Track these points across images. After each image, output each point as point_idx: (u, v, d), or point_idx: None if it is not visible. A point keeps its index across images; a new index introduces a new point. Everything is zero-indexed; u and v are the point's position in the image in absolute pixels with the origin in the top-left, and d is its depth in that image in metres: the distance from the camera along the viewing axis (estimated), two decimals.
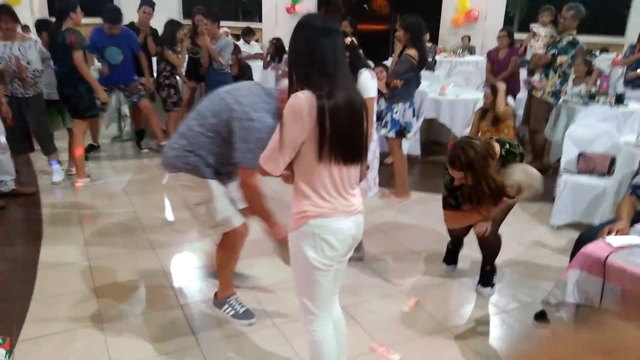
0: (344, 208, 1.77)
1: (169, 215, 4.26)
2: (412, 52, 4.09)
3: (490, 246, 2.97)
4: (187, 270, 3.35)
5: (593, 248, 2.14)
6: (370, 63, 4.26)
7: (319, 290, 1.84)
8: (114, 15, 5.17)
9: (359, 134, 1.78)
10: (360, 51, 3.47)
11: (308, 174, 1.74)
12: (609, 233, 2.26)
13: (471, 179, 2.56)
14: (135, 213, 4.17)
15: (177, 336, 2.64)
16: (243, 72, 6.34)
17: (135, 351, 2.51)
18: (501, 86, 4.28)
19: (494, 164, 2.56)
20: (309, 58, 1.70)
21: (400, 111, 4.29)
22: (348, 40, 3.26)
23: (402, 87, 4.23)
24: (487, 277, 3.05)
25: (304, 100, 1.65)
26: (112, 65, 5.27)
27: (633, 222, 2.44)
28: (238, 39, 8.62)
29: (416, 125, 4.30)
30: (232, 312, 2.73)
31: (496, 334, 2.75)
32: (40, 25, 5.60)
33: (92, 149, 5.65)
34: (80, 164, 4.84)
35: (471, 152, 2.49)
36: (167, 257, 3.49)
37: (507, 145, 2.70)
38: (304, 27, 1.75)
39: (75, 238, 3.70)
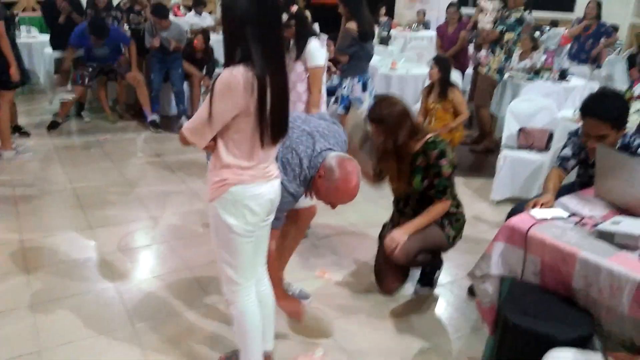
0: (262, 174, 1.79)
1: (107, 191, 4.13)
2: (352, 24, 4.04)
3: (402, 262, 2.67)
4: (125, 251, 3.27)
5: (516, 220, 2.18)
6: (322, 35, 4.23)
7: (241, 258, 1.85)
8: (101, 31, 5.33)
9: (287, 111, 1.80)
10: (308, 19, 3.42)
11: (233, 145, 1.72)
12: (534, 206, 2.32)
13: (381, 135, 2.58)
14: (74, 190, 4.04)
15: (111, 318, 2.59)
16: (208, 57, 6.01)
17: (66, 334, 2.45)
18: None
19: (407, 126, 2.55)
20: (249, 26, 1.62)
21: (349, 86, 4.26)
22: (294, 8, 3.20)
23: (350, 62, 4.19)
24: (426, 276, 2.94)
25: (239, 77, 1.60)
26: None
27: (559, 195, 2.52)
28: (189, 10, 8.36)
29: (368, 100, 4.27)
30: (289, 292, 2.73)
31: (432, 308, 2.81)
32: None
33: (17, 130, 5.31)
34: (7, 134, 4.70)
35: (386, 108, 2.54)
36: (105, 236, 3.40)
37: (435, 139, 2.61)
38: None
39: (8, 216, 3.56)
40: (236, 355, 2.18)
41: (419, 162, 2.60)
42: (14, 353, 2.32)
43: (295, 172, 2.05)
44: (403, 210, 2.79)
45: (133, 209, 3.82)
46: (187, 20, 7.54)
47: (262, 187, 1.79)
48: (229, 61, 1.66)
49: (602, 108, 2.40)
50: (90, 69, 5.57)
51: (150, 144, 5.32)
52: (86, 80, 5.59)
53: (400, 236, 2.59)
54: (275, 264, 2.31)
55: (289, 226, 2.52)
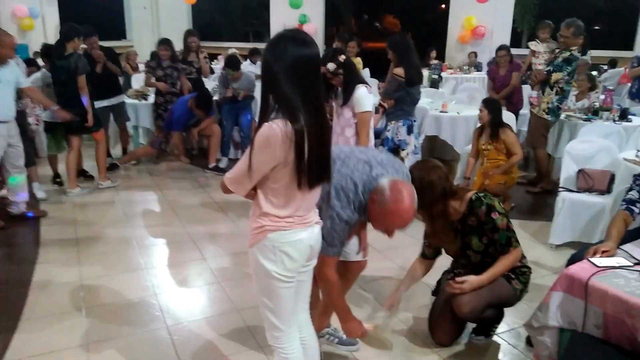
0: (301, 221, 1.80)
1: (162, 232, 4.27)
2: (399, 70, 4.09)
3: (466, 318, 2.61)
4: (177, 291, 3.34)
5: (576, 269, 2.07)
6: (371, 81, 4.28)
7: (282, 304, 1.85)
8: (209, 105, 5.91)
9: (328, 158, 1.80)
10: (356, 67, 3.48)
11: (272, 194, 1.75)
12: (595, 254, 2.20)
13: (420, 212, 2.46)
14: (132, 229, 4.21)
15: (161, 358, 2.62)
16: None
17: None
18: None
19: (438, 194, 2.45)
20: (289, 78, 1.64)
21: (393, 129, 4.28)
22: (342, 57, 3.28)
23: (395, 106, 4.22)
24: (484, 326, 2.77)
25: (277, 131, 1.62)
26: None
27: (624, 241, 2.38)
28: (245, 59, 8.74)
29: (413, 142, 4.27)
30: (336, 339, 2.67)
31: (487, 358, 2.67)
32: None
33: (82, 174, 5.62)
34: (72, 176, 5.09)
35: (416, 179, 2.31)
36: (159, 276, 3.49)
37: (478, 195, 2.52)
38: (285, 40, 1.65)
39: (70, 257, 3.74)
40: None
41: (470, 223, 2.53)
42: None
43: (349, 197, 2.01)
44: (465, 267, 2.69)
45: (187, 250, 3.92)
46: (242, 70, 7.86)
47: (300, 233, 1.79)
48: (264, 114, 1.68)
49: None
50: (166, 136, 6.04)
51: (206, 187, 5.49)
52: (162, 145, 6.14)
53: (476, 282, 2.48)
54: (336, 292, 2.23)
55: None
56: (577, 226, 3.83)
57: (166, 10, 11.96)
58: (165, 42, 5.96)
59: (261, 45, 9.72)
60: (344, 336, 2.63)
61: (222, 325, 2.93)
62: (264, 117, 1.68)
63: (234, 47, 10.48)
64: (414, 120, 4.33)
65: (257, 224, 1.78)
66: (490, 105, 4.32)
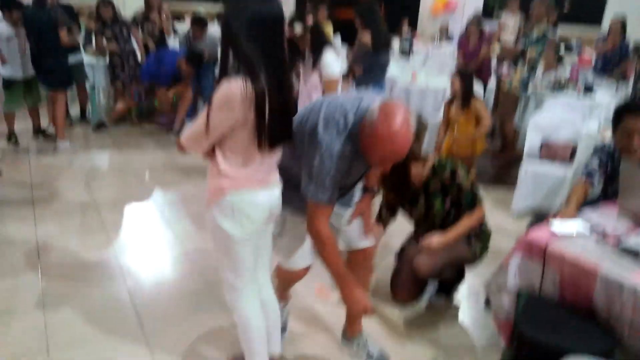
0: (261, 182, 1.77)
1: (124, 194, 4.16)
2: (365, 36, 4.02)
3: (425, 277, 2.63)
4: (138, 253, 3.27)
5: (535, 235, 2.11)
6: (341, 45, 4.20)
7: (239, 263, 1.82)
8: (200, 61, 5.56)
9: (290, 119, 1.78)
10: (324, 31, 3.41)
11: (230, 153, 1.71)
12: (555, 217, 2.25)
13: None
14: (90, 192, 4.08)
15: (120, 319, 2.58)
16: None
17: (75, 334, 2.45)
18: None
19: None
20: (249, 35, 1.59)
21: None
22: (310, 19, 3.21)
23: (364, 73, 4.17)
24: (444, 287, 2.87)
25: (236, 90, 1.58)
26: None
27: (584, 207, 2.44)
28: (213, 20, 8.45)
29: None
30: (365, 353, 2.34)
31: (447, 319, 2.73)
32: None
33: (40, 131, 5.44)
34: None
35: None
36: (118, 239, 3.41)
37: (442, 160, 2.54)
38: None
39: (26, 217, 3.60)
40: (243, 357, 2.14)
41: (432, 188, 2.56)
42: (23, 351, 2.32)
43: (339, 127, 1.74)
44: (427, 232, 2.67)
45: (148, 212, 3.83)
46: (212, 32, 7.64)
47: (259, 195, 1.76)
48: (223, 73, 1.64)
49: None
50: (144, 85, 5.77)
51: (168, 150, 5.35)
52: (142, 97, 5.87)
53: (438, 241, 2.47)
54: (330, 251, 1.88)
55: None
56: (539, 195, 3.92)
57: None
58: (104, 3, 5.54)
59: None
60: (375, 351, 2.34)
61: (184, 287, 2.89)
62: (223, 75, 1.63)
63: (201, 7, 10.13)
64: (383, 86, 4.28)
65: (214, 184, 1.74)
66: (464, 76, 4.32)
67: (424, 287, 2.83)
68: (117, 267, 3.05)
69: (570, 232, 2.12)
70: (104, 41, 5.62)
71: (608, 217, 2.30)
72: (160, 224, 3.66)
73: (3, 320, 2.51)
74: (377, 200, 2.57)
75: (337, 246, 1.95)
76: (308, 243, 2.07)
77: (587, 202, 2.58)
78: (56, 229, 3.47)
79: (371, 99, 1.78)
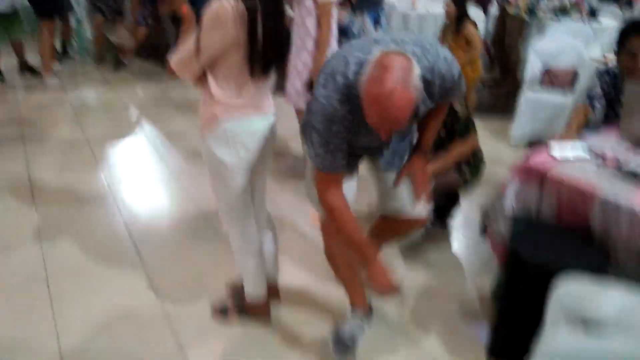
0: (255, 109, 1.72)
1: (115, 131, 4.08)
2: None
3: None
4: (133, 188, 3.25)
5: (534, 159, 2.08)
6: None
7: (235, 191, 1.80)
8: None
9: (282, 41, 1.72)
10: None
11: (223, 78, 1.65)
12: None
13: None
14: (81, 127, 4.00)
15: (117, 248, 2.60)
16: None
17: (73, 263, 2.47)
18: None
19: None
20: None
21: (359, 25, 4.07)
22: None
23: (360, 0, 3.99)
24: (439, 213, 2.81)
25: (228, 7, 1.52)
26: None
27: (586, 134, 2.40)
28: None
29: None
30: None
31: (442, 246, 2.76)
32: None
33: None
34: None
35: None
36: (112, 174, 3.38)
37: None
38: None
39: (17, 156, 3.55)
40: (242, 284, 2.17)
41: None
42: (23, 281, 2.34)
43: (336, 80, 1.48)
44: None
45: (141, 148, 3.78)
46: None
47: (254, 122, 1.73)
48: None
49: None
50: (150, 8, 5.43)
51: (160, 83, 5.22)
52: (149, 20, 5.49)
53: (434, 167, 2.31)
54: (344, 221, 1.66)
55: (382, 227, 2.04)
56: (538, 123, 3.86)
57: None
58: None
59: None
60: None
61: (180, 218, 2.90)
62: None
63: None
64: (381, 10, 4.10)
65: (208, 112, 1.69)
66: (457, 0, 4.13)
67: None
68: (112, 201, 3.04)
69: (569, 155, 2.08)
70: None
71: (608, 141, 2.26)
72: (154, 159, 3.62)
73: (2, 254, 2.53)
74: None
75: (352, 217, 1.66)
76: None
77: (589, 128, 2.53)
78: (49, 166, 3.43)
79: (388, 45, 1.47)
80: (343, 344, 1.94)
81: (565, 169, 1.99)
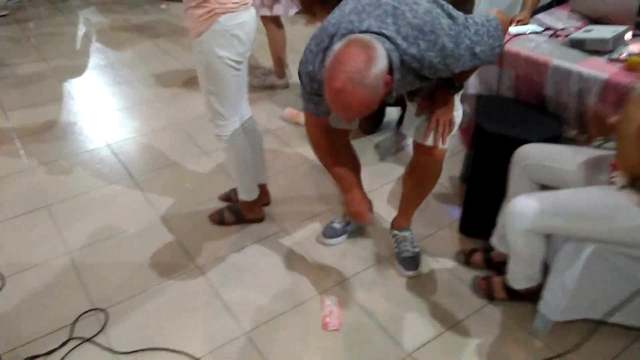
0: (243, 2, 1.81)
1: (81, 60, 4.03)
2: None
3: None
4: (112, 113, 3.29)
5: None
6: None
7: (229, 89, 1.92)
8: None
9: None
10: None
11: None
12: (511, 23, 2.35)
13: None
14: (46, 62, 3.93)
15: (109, 172, 2.70)
16: None
17: (70, 189, 2.57)
18: None
19: None
20: None
21: None
22: None
23: None
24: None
25: None
26: None
27: (538, 11, 2.54)
28: None
29: None
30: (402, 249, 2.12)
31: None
32: None
33: None
34: None
35: None
36: (88, 101, 3.40)
37: None
38: None
39: None
40: (234, 190, 2.34)
41: None
42: (26, 208, 2.45)
43: (312, 52, 1.48)
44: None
45: (107, 74, 3.76)
46: None
47: (245, 14, 1.82)
48: None
49: None
50: None
51: (115, 10, 5.05)
52: None
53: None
54: (321, 154, 1.82)
55: (408, 174, 2.00)
56: (498, 6, 3.96)
57: None
58: None
59: None
60: (412, 252, 2.10)
61: (163, 138, 2.99)
62: None
63: None
64: None
65: (204, 9, 1.75)
66: None
67: (382, 114, 2.98)
68: (91, 127, 3.10)
69: (524, 30, 2.24)
70: None
71: (559, 18, 2.42)
72: (125, 84, 3.62)
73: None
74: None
75: (330, 151, 1.79)
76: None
77: (542, 5, 2.67)
78: (18, 99, 3.42)
79: (383, 20, 1.39)
80: (333, 230, 2.21)
81: (520, 44, 2.16)
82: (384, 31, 1.37)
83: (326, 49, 1.43)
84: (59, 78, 3.70)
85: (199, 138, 2.94)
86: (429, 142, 1.80)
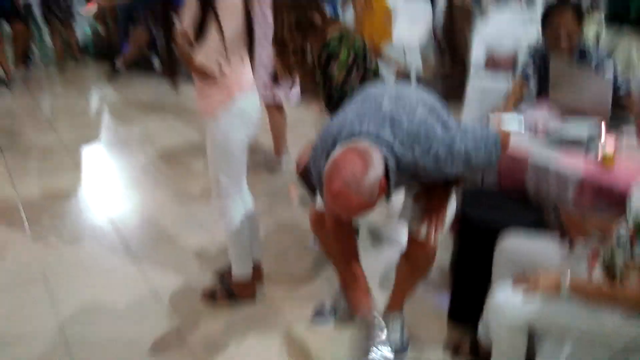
0: (251, 85, 2.01)
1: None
2: None
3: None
4: (113, 184, 3.41)
5: None
6: None
7: (239, 167, 2.06)
8: None
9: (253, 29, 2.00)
10: None
11: (231, 61, 1.88)
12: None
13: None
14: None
15: (107, 244, 2.77)
16: None
17: (67, 262, 2.63)
18: None
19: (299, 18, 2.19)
20: None
21: None
22: None
23: None
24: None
25: None
26: None
27: (519, 109, 2.72)
28: None
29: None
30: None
31: None
32: None
33: None
34: None
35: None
36: (92, 174, 3.53)
37: (336, 36, 2.19)
38: None
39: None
40: (229, 269, 2.39)
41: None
42: (22, 278, 2.50)
43: (318, 153, 1.60)
44: None
45: (115, 148, 3.93)
46: None
47: (254, 96, 2.01)
48: None
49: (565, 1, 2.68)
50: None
51: (123, 86, 5.33)
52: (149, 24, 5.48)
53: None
54: (327, 248, 2.00)
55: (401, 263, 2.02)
56: (485, 107, 4.19)
57: None
58: None
59: None
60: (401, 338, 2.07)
61: (164, 213, 3.08)
62: None
63: None
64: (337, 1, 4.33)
65: (220, 90, 1.90)
66: None
67: None
68: (95, 200, 3.21)
69: (506, 127, 2.40)
70: None
71: (541, 113, 2.59)
72: (130, 157, 3.77)
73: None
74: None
75: (341, 247, 1.90)
76: None
77: (525, 101, 2.85)
78: (26, 169, 3.56)
79: (375, 127, 1.51)
80: (322, 314, 2.24)
81: None
82: (382, 135, 1.49)
83: (329, 152, 1.52)
84: (68, 150, 3.86)
85: (199, 213, 3.04)
86: (422, 235, 1.83)
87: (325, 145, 1.57)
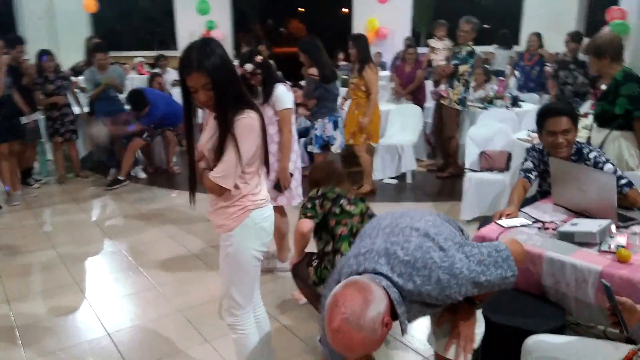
0: (267, 199, 2.02)
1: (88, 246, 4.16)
2: (312, 70, 4.36)
3: None
4: (113, 300, 3.30)
5: (485, 230, 2.37)
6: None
7: (251, 281, 2.03)
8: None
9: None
10: (273, 67, 3.64)
11: (248, 177, 1.93)
12: (500, 217, 2.52)
13: None
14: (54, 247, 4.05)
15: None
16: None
17: None
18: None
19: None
20: (234, 74, 1.87)
21: (320, 127, 4.53)
22: (259, 58, 3.40)
23: (317, 104, 4.47)
24: None
25: (255, 118, 1.86)
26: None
27: (524, 204, 2.74)
28: (153, 68, 8.57)
29: (340, 138, 4.60)
30: None
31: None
32: None
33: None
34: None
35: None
36: (90, 290, 3.43)
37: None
38: (218, 45, 1.85)
39: None
40: None
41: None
42: None
43: (333, 275, 1.65)
44: None
45: (117, 261, 3.86)
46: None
47: (269, 210, 2.02)
48: (229, 108, 1.82)
49: (559, 106, 2.78)
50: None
51: (121, 198, 5.38)
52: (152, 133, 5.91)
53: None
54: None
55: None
56: (484, 202, 4.26)
57: (64, 19, 11.28)
58: (46, 53, 5.60)
59: (167, 53, 9.41)
60: None
61: (166, 326, 2.96)
62: (230, 111, 1.82)
63: (139, 55, 10.23)
64: (338, 116, 4.60)
65: (238, 207, 1.92)
66: (357, 41, 4.77)
67: None
68: (94, 317, 3.07)
69: (514, 223, 2.41)
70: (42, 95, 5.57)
71: (545, 211, 2.61)
72: (131, 271, 3.69)
73: None
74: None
75: None
76: None
77: (526, 200, 2.89)
78: (25, 288, 3.44)
79: (360, 268, 1.53)
80: None
81: (512, 235, 2.29)
82: (380, 270, 1.47)
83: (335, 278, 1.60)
84: (67, 265, 3.78)
85: (202, 326, 2.91)
86: (450, 355, 1.75)
87: (332, 286, 1.55)
